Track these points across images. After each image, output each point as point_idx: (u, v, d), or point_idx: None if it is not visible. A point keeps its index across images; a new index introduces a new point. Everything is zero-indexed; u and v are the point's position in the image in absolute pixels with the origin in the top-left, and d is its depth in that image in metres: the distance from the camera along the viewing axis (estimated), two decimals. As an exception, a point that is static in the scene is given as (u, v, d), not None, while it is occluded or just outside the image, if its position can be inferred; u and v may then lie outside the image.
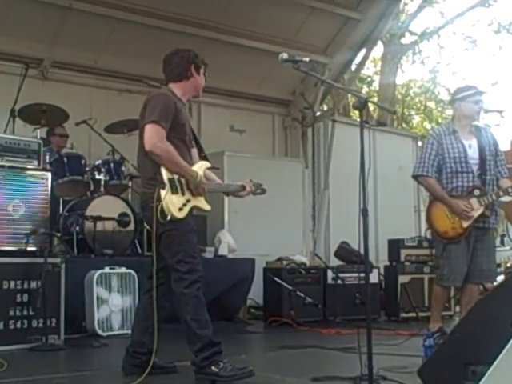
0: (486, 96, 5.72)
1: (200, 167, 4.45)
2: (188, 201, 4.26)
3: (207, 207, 4.44)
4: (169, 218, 4.11)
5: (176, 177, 4.22)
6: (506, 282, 3.72)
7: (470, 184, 5.42)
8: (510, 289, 3.48)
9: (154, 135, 4.16)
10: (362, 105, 3.88)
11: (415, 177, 5.62)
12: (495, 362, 3.01)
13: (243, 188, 4.73)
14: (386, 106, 10.70)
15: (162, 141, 4.17)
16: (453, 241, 5.39)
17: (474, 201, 5.38)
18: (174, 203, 4.15)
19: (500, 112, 5.74)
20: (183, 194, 4.24)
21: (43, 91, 8.19)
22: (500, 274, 9.07)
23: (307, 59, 4.12)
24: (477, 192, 5.40)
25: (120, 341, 5.57)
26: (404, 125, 22.57)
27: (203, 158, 4.69)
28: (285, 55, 4.11)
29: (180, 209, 4.19)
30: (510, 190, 5.38)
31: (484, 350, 3.30)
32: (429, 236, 8.00)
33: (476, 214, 5.37)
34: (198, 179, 4.29)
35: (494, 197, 5.41)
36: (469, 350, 3.47)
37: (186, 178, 4.26)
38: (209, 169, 4.61)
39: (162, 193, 4.13)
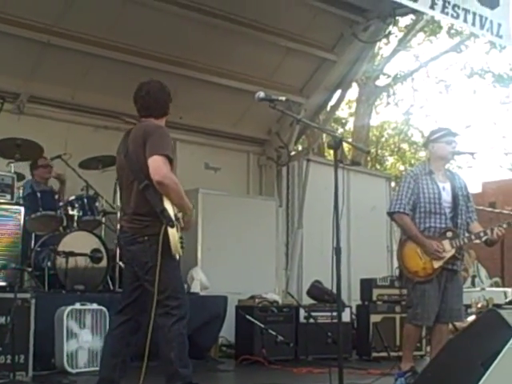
0: (458, 138, 5.83)
1: None
2: (181, 237, 4.27)
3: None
4: (178, 257, 4.16)
5: (177, 213, 4.23)
6: (476, 322, 3.76)
7: (443, 225, 5.49)
8: (479, 329, 3.51)
9: (163, 166, 4.14)
10: (336, 144, 3.94)
11: (391, 214, 5.67)
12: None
13: None
14: (361, 146, 10.85)
15: (170, 172, 4.18)
16: (422, 280, 5.43)
17: (446, 242, 5.45)
18: (178, 241, 4.17)
19: (472, 154, 5.80)
20: (178, 230, 4.25)
21: (19, 126, 8.17)
22: (471, 314, 9.11)
23: (283, 98, 4.18)
24: (449, 234, 5.47)
25: (89, 378, 5.52)
26: (378, 166, 22.79)
27: None
28: (261, 94, 4.16)
29: (181, 246, 4.24)
30: (481, 234, 5.45)
31: (455, 389, 3.32)
32: (397, 274, 8.05)
33: (447, 255, 5.43)
34: (194, 213, 4.36)
35: (466, 240, 5.48)
36: (440, 390, 3.48)
37: (185, 212, 4.27)
38: None
39: (171, 231, 4.12)
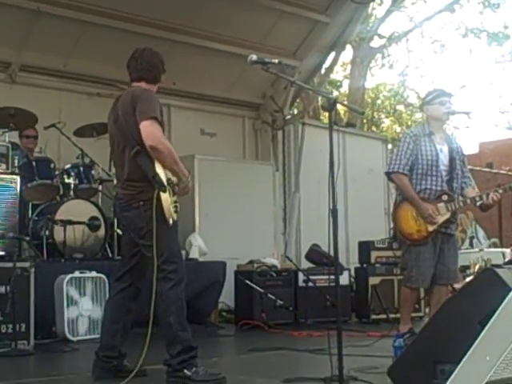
0: (453, 98, 5.80)
1: None
2: (175, 202, 4.25)
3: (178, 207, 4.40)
4: (171, 221, 4.12)
5: (170, 178, 4.20)
6: (473, 281, 3.77)
7: (439, 188, 5.48)
8: (476, 288, 3.52)
9: (156, 131, 4.13)
10: (330, 105, 3.91)
11: (389, 173, 5.66)
12: (462, 361, 3.06)
13: None
14: (355, 107, 10.77)
15: (163, 137, 4.18)
16: (416, 243, 5.44)
17: (441, 206, 5.44)
18: (171, 206, 4.15)
19: (467, 113, 5.81)
20: (172, 195, 4.23)
21: (11, 95, 8.12)
22: (470, 275, 9.17)
23: (276, 61, 4.13)
24: (445, 197, 5.46)
25: (90, 345, 5.54)
26: (374, 128, 22.76)
27: None
28: (254, 57, 4.12)
29: (175, 211, 4.21)
30: (477, 199, 5.44)
31: (452, 348, 3.34)
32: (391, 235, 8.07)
33: (442, 219, 5.43)
34: (190, 179, 4.32)
35: (462, 204, 5.48)
36: (437, 349, 3.51)
37: (179, 177, 4.25)
38: None
39: (164, 196, 4.11)
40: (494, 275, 3.46)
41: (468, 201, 5.49)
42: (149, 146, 4.10)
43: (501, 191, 5.36)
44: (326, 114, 4.00)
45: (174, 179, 4.24)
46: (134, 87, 4.44)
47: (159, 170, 4.15)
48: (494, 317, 3.04)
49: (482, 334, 3.04)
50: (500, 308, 3.05)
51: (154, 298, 4.16)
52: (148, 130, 4.11)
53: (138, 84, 4.43)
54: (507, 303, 3.03)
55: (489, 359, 3.00)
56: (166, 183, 4.13)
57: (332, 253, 3.93)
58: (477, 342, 3.04)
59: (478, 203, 5.44)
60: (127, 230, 4.40)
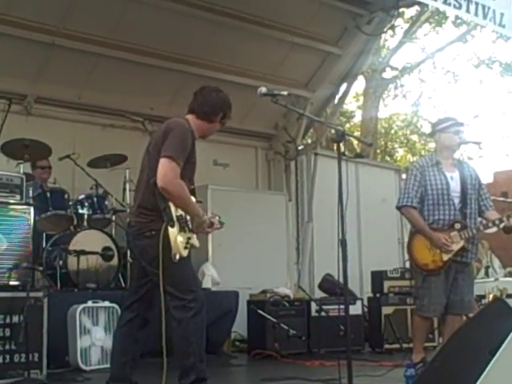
0: (466, 128, 5.82)
1: None
2: (189, 238, 4.22)
3: (198, 244, 4.37)
4: (178, 257, 4.11)
5: (182, 214, 4.19)
6: (484, 311, 3.77)
7: (452, 217, 5.49)
8: (486, 318, 3.52)
9: (169, 172, 4.09)
10: (339, 137, 3.96)
11: (399, 208, 5.68)
12: (472, 390, 3.06)
13: (211, 224, 4.54)
14: (363, 139, 10.85)
15: (176, 179, 4.12)
16: (432, 273, 5.44)
17: (454, 234, 5.44)
18: (180, 242, 4.13)
19: (478, 143, 5.80)
20: (185, 231, 4.21)
21: (27, 127, 8.23)
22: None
23: (285, 93, 4.19)
24: (458, 226, 5.46)
25: (103, 375, 5.48)
26: (388, 158, 22.76)
27: (192, 191, 4.65)
28: (263, 89, 4.17)
29: (185, 247, 4.17)
30: (497, 222, 5.43)
31: (463, 378, 3.33)
32: (408, 266, 8.07)
33: (456, 247, 5.43)
34: (203, 219, 4.30)
35: (475, 231, 5.47)
36: (448, 379, 3.50)
37: (191, 216, 4.23)
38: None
39: (171, 231, 4.10)
40: (504, 305, 3.46)
41: (481, 227, 5.49)
42: (159, 186, 4.10)
43: None
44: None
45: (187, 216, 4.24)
46: (175, 118, 4.44)
47: (172, 204, 4.15)
48: (502, 346, 3.04)
49: (491, 363, 3.04)
50: (509, 338, 3.05)
51: (169, 327, 4.15)
52: (162, 169, 4.10)
53: (188, 117, 4.45)
54: (516, 332, 3.03)
55: (498, 389, 3.00)
56: (174, 218, 4.12)
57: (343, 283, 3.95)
58: (486, 371, 3.04)
59: (501, 226, 5.41)
60: (138, 259, 4.41)
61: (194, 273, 4.39)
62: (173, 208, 4.15)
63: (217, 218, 4.67)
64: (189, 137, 4.27)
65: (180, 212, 4.20)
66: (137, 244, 4.36)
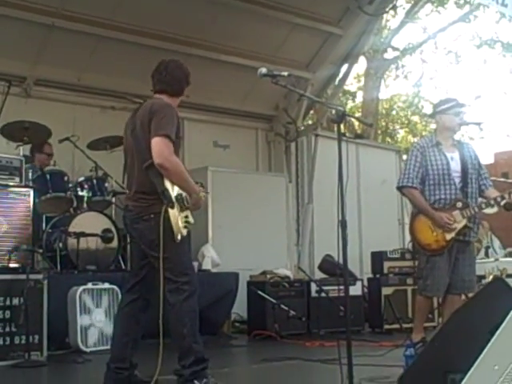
0: (467, 109, 5.81)
1: None
2: (187, 216, 4.25)
3: (193, 220, 4.38)
4: (179, 237, 4.13)
5: (180, 194, 4.21)
6: (483, 291, 3.76)
7: (453, 197, 5.48)
8: (487, 297, 3.52)
9: (164, 148, 4.12)
10: (339, 118, 3.94)
11: (399, 188, 5.67)
12: (471, 370, 3.06)
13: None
14: (363, 119, 10.81)
15: (172, 155, 4.15)
16: (436, 253, 5.44)
17: (456, 213, 5.44)
18: (180, 221, 4.16)
19: (478, 124, 5.76)
20: (183, 210, 4.23)
21: (26, 109, 8.20)
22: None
23: (286, 73, 4.15)
24: (459, 204, 5.45)
25: (104, 356, 5.48)
26: (389, 139, 22.72)
27: None
28: (263, 70, 4.14)
29: (184, 226, 4.20)
30: (498, 199, 5.43)
31: (463, 358, 3.33)
32: (411, 248, 8.07)
33: (459, 226, 5.42)
34: (200, 195, 4.32)
35: (477, 209, 5.47)
36: (448, 359, 3.50)
37: (189, 194, 4.25)
38: None
39: (172, 212, 4.12)
40: (503, 285, 3.46)
41: (483, 205, 5.48)
42: (156, 163, 4.12)
43: None
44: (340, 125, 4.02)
45: (185, 194, 4.26)
46: (154, 99, 4.45)
47: (169, 185, 4.17)
48: (502, 326, 3.04)
49: (490, 343, 3.03)
50: (508, 317, 3.04)
51: (166, 310, 4.18)
52: (157, 147, 4.12)
53: (160, 96, 4.45)
54: (514, 312, 3.03)
55: (497, 368, 2.99)
56: (174, 199, 4.14)
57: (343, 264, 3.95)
58: (485, 351, 3.03)
59: (502, 203, 5.42)
60: (137, 242, 4.42)
61: (189, 256, 4.42)
62: (170, 189, 4.17)
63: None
64: (175, 114, 4.30)
65: (177, 192, 4.21)
66: (135, 227, 4.37)
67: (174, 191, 4.20)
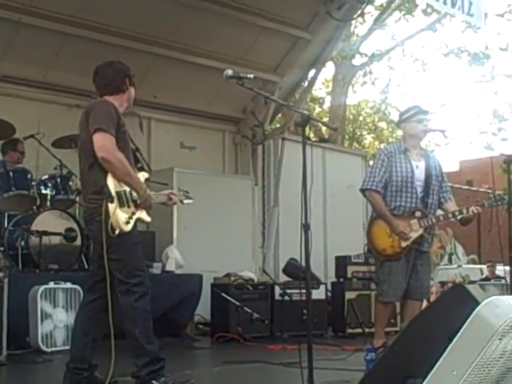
0: (431, 116, 5.86)
1: (141, 178, 4.43)
2: (133, 213, 4.24)
3: (148, 219, 4.42)
4: (117, 232, 4.10)
5: (123, 190, 4.19)
6: (443, 297, 3.80)
7: (413, 205, 5.53)
8: (447, 303, 3.55)
9: (107, 142, 4.11)
10: (304, 121, 3.96)
11: (363, 190, 5.71)
12: (429, 375, 3.09)
13: (169, 198, 4.69)
14: (327, 123, 10.88)
15: (115, 149, 4.13)
16: (390, 258, 5.49)
17: (414, 222, 5.49)
18: (121, 217, 4.14)
19: (443, 132, 5.79)
20: (129, 206, 4.22)
21: (-9, 105, 8.10)
22: (446, 291, 9.19)
23: (252, 76, 4.16)
24: (418, 214, 5.50)
25: (64, 356, 5.46)
26: (356, 144, 22.90)
27: (140, 168, 4.68)
28: (229, 72, 4.14)
29: (127, 222, 4.18)
30: (456, 213, 5.46)
31: (422, 363, 3.36)
32: (366, 252, 8.11)
33: (415, 235, 5.47)
34: (147, 193, 4.28)
35: (435, 220, 5.52)
36: (407, 364, 3.52)
37: (135, 190, 4.23)
38: (147, 180, 4.57)
39: (111, 206, 4.10)
40: (463, 291, 3.48)
41: (441, 217, 5.55)
42: (100, 157, 4.11)
43: (486, 204, 5.39)
44: (306, 129, 4.05)
45: (129, 190, 4.23)
46: (94, 100, 4.49)
47: (110, 181, 4.14)
48: (460, 331, 3.07)
49: (449, 348, 3.07)
50: (466, 323, 3.08)
51: (120, 311, 4.19)
52: (100, 141, 4.11)
53: (103, 98, 4.45)
54: (473, 318, 3.06)
55: (455, 374, 3.03)
56: (113, 194, 4.11)
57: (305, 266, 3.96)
58: (444, 356, 3.07)
59: (459, 217, 5.47)
60: (93, 242, 4.41)
61: (140, 257, 4.34)
62: (112, 185, 4.14)
63: (181, 192, 4.78)
64: (111, 108, 4.27)
65: (121, 188, 4.19)
66: (89, 228, 4.41)
67: (118, 187, 4.17)
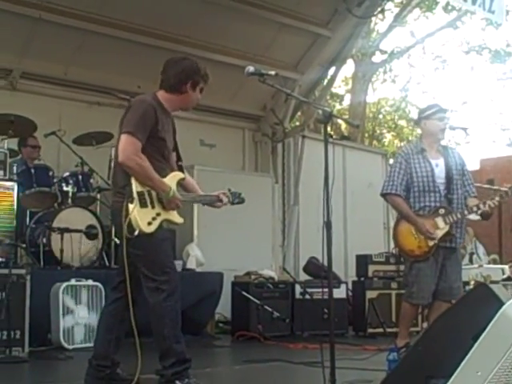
0: (451, 114, 5.81)
1: (172, 179, 4.32)
2: (158, 214, 4.17)
3: (179, 220, 4.32)
4: (136, 233, 4.05)
5: (146, 190, 4.14)
6: (467, 297, 3.76)
7: (437, 204, 5.47)
8: (471, 303, 3.51)
9: (128, 147, 4.07)
10: (326, 118, 3.93)
11: (383, 195, 5.67)
12: (453, 375, 3.05)
13: (219, 199, 4.63)
14: (350, 120, 10.81)
15: (136, 153, 4.07)
16: (419, 259, 5.44)
17: (439, 219, 5.43)
18: (142, 217, 4.08)
19: (464, 129, 5.75)
20: (153, 207, 4.16)
21: (12, 102, 8.11)
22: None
23: (273, 73, 4.14)
24: (442, 211, 5.44)
25: (85, 353, 5.47)
26: (375, 143, 22.78)
27: (180, 167, 4.57)
28: (251, 68, 4.12)
29: (149, 223, 4.12)
30: (475, 208, 5.43)
31: (445, 363, 3.32)
32: (397, 253, 8.07)
33: (441, 232, 5.42)
34: (171, 194, 4.19)
35: (459, 215, 5.46)
36: (430, 364, 3.49)
37: (158, 193, 4.17)
38: (181, 180, 4.48)
39: (130, 206, 4.06)
40: (487, 291, 3.45)
41: (466, 211, 5.48)
42: (119, 161, 4.11)
43: (497, 199, 5.36)
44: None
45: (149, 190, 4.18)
46: (143, 95, 4.42)
47: (134, 181, 4.10)
48: (485, 332, 3.03)
49: (473, 348, 3.03)
50: (491, 323, 3.04)
51: (147, 309, 4.15)
52: (121, 145, 4.10)
53: (158, 92, 4.37)
54: (498, 318, 3.03)
55: (480, 374, 2.99)
56: (134, 194, 4.07)
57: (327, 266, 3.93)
58: (468, 356, 3.03)
59: (478, 212, 5.42)
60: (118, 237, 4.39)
61: (169, 254, 4.32)
62: (135, 184, 4.10)
63: (228, 193, 4.69)
64: (149, 111, 4.18)
65: (145, 188, 4.14)
66: (115, 223, 4.37)
67: (140, 187, 4.13)
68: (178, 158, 4.60)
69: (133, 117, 4.14)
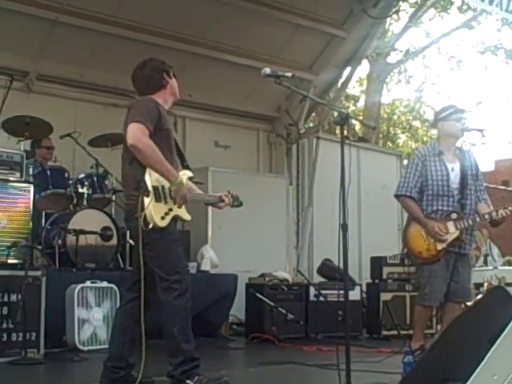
0: (468, 114, 5.77)
1: (182, 175, 4.41)
2: (170, 210, 4.24)
3: (188, 217, 4.39)
4: (151, 226, 4.10)
5: (160, 185, 4.19)
6: (483, 299, 3.74)
7: (450, 208, 5.44)
8: (487, 306, 3.49)
9: (137, 131, 4.11)
10: (343, 120, 3.92)
11: (397, 196, 5.64)
12: (469, 379, 3.03)
13: (221, 200, 4.72)
14: (367, 121, 10.76)
15: (145, 137, 4.13)
16: (426, 261, 5.41)
17: (450, 224, 5.40)
18: (156, 211, 4.13)
19: (481, 131, 5.71)
20: (166, 202, 4.22)
21: (28, 104, 8.14)
22: (483, 293, 9.08)
23: (290, 74, 4.14)
24: (454, 216, 5.41)
25: (101, 355, 5.47)
26: (390, 144, 22.72)
27: (185, 167, 4.65)
28: (267, 70, 4.12)
29: (162, 217, 4.18)
30: (486, 216, 5.39)
31: (461, 366, 3.30)
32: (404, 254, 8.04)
33: (451, 237, 5.38)
34: (179, 181, 4.24)
35: (471, 222, 5.43)
36: (446, 367, 3.47)
37: (166, 178, 4.22)
38: (190, 179, 4.59)
39: (146, 200, 4.11)
40: (503, 293, 3.43)
41: (477, 218, 5.45)
42: (129, 145, 4.13)
43: (511, 208, 5.32)
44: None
45: (167, 186, 4.22)
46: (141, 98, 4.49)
47: (148, 176, 4.15)
48: (502, 335, 3.01)
49: (490, 352, 3.01)
50: (508, 326, 3.02)
51: (158, 309, 4.19)
52: (130, 131, 4.13)
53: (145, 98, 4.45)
54: (516, 322, 3.00)
55: (496, 378, 2.97)
56: (149, 188, 4.12)
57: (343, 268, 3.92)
58: (485, 360, 3.01)
59: (488, 219, 5.40)
60: (133, 239, 4.43)
61: (181, 254, 4.34)
62: (149, 180, 4.15)
63: (229, 195, 4.75)
64: (152, 104, 4.29)
65: (159, 183, 4.19)
66: (129, 225, 4.43)
67: (157, 183, 4.17)
68: (182, 159, 4.66)
69: (137, 111, 4.21)
